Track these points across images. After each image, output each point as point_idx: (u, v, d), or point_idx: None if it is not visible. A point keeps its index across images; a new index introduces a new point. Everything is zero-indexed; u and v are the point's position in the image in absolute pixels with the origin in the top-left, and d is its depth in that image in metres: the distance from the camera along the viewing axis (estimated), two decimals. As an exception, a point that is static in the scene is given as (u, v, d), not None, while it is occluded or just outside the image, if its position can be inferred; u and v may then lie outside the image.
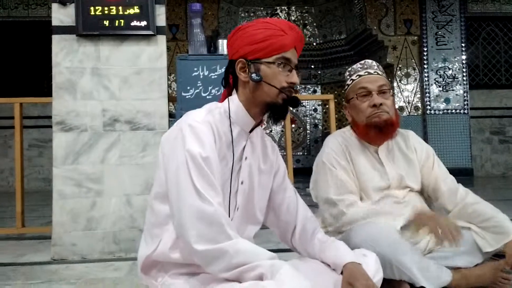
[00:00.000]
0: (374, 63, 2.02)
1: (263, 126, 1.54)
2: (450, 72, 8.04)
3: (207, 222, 1.21)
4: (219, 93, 3.26)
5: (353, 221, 1.81)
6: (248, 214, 1.45)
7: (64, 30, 2.75)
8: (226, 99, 1.43)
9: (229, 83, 1.45)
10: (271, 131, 9.84)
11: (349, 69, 2.05)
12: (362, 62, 2.02)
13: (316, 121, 10.09)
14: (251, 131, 1.44)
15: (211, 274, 1.26)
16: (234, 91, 1.44)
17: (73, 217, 2.71)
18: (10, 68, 8.20)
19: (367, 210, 1.83)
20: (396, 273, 1.65)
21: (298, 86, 10.06)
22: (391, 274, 1.64)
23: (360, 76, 1.97)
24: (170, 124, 2.95)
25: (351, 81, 2.00)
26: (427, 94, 8.00)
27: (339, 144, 1.98)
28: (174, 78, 7.04)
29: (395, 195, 1.93)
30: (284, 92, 1.37)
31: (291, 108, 1.45)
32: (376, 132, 1.91)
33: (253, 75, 1.36)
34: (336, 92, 9.62)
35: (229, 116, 1.39)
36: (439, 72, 8.03)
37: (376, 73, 1.97)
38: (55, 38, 2.76)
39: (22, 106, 3.34)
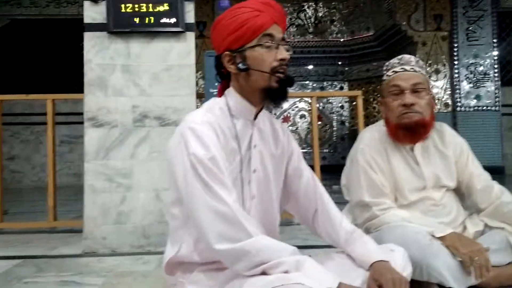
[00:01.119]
0: (412, 58, 1.93)
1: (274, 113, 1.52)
2: (481, 68, 7.87)
3: (224, 221, 1.21)
4: (247, 89, 3.27)
5: (384, 224, 1.78)
6: (266, 202, 1.44)
7: (95, 27, 2.80)
8: (224, 94, 1.42)
9: (224, 78, 1.43)
10: (297, 128, 9.82)
11: (387, 63, 1.98)
12: (400, 57, 1.94)
13: (343, 118, 10.01)
14: (255, 118, 1.42)
15: None
16: (231, 83, 1.42)
17: (104, 211, 2.76)
18: (42, 66, 8.39)
19: (401, 218, 1.78)
20: (425, 275, 1.62)
21: (325, 83, 10.01)
22: (419, 276, 1.61)
23: (395, 72, 1.89)
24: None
25: (386, 77, 1.93)
26: (458, 91, 7.85)
27: (375, 141, 1.91)
28: (201, 75, 7.08)
29: (432, 196, 1.88)
30: (276, 73, 1.33)
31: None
32: (405, 133, 1.84)
33: (240, 65, 1.34)
34: (363, 88, 9.52)
35: (229, 109, 1.37)
36: (470, 68, 7.87)
37: (412, 70, 1.88)
38: (87, 35, 2.81)
39: (54, 103, 3.41)
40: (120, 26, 2.78)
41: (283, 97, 1.36)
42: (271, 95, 1.35)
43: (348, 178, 1.96)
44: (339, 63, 10.04)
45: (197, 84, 3.43)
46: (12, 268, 2.40)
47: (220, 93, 1.44)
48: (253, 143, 1.39)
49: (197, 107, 3.01)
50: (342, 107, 10.03)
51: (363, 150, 1.90)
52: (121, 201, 2.77)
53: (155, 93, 2.83)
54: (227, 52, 1.36)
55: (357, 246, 1.44)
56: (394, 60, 1.94)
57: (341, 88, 10.04)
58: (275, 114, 9.15)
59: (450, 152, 1.95)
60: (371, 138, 1.93)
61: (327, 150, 10.02)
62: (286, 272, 1.17)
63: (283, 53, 1.34)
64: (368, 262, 1.39)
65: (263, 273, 1.20)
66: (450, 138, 1.98)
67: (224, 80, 1.43)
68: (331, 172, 8.92)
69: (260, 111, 1.42)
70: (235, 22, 1.33)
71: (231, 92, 1.40)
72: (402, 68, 1.89)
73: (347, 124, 10.00)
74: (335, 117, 10.00)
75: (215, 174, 1.25)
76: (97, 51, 2.80)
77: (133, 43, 2.83)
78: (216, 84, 1.50)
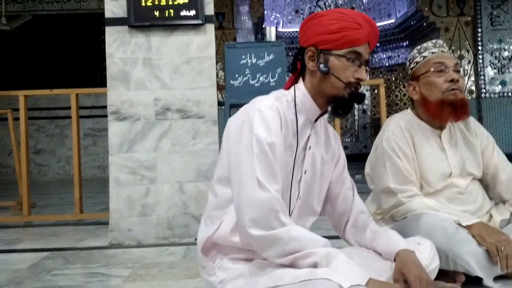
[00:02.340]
0: (445, 44, 1.95)
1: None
2: (506, 53, 7.71)
3: (262, 208, 1.23)
4: (267, 80, 3.27)
5: (410, 212, 1.78)
6: (307, 204, 1.46)
7: (116, 21, 2.82)
8: (293, 87, 1.42)
9: (297, 69, 1.43)
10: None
11: (418, 47, 1.96)
12: (434, 41, 1.94)
13: (365, 106, 9.93)
14: (316, 120, 1.43)
15: (266, 260, 1.27)
16: (301, 78, 1.42)
17: (129, 203, 2.80)
18: (64, 60, 8.51)
19: (427, 206, 1.77)
20: (452, 264, 1.61)
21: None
22: (445, 265, 1.60)
23: (434, 53, 1.88)
24: (219, 112, 3.00)
25: (422, 58, 1.90)
26: (482, 77, 7.70)
27: (401, 129, 1.90)
28: (221, 66, 7.10)
29: (458, 184, 1.86)
30: (350, 87, 1.35)
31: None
32: (451, 110, 1.82)
33: (321, 65, 1.34)
34: (385, 76, 9.42)
35: (295, 105, 1.38)
36: (495, 54, 7.71)
37: (448, 53, 1.90)
38: (108, 30, 2.83)
39: (78, 97, 3.46)
40: (140, 20, 2.80)
41: (348, 110, 1.38)
42: (338, 104, 1.37)
43: (373, 167, 1.95)
44: (360, 51, 9.94)
45: (217, 75, 3.44)
46: (41, 260, 2.46)
47: (288, 86, 1.44)
48: (308, 145, 1.41)
49: (218, 99, 3.02)
50: (363, 95, 9.96)
51: (388, 138, 1.89)
52: (145, 193, 2.81)
53: (176, 86, 2.85)
54: (311, 48, 1.36)
55: (382, 239, 1.45)
56: (428, 44, 1.93)
57: (362, 76, 9.95)
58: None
59: (476, 142, 1.94)
60: (397, 127, 1.91)
61: (349, 140, 9.96)
62: (315, 263, 1.18)
63: (363, 74, 1.35)
64: (393, 252, 1.39)
65: (293, 263, 1.21)
66: (475, 129, 1.97)
67: (294, 74, 1.44)
68: (353, 161, 8.87)
69: (322, 114, 1.43)
70: (335, 25, 1.33)
71: (300, 87, 1.40)
72: (439, 50, 1.89)
73: (368, 112, 9.91)
74: (356, 106, 9.92)
75: (268, 160, 1.26)
76: (119, 45, 2.83)
77: (154, 37, 2.85)
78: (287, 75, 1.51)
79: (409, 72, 1.97)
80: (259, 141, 1.26)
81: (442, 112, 1.84)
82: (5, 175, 8.74)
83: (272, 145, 1.27)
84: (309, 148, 1.42)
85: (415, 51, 1.96)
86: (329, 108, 1.42)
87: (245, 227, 1.24)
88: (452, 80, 1.81)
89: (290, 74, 1.47)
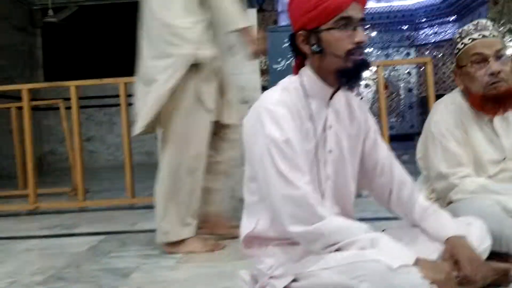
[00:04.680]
0: (489, 23, 1.82)
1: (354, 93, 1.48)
2: (561, 24, 7.32)
3: (296, 205, 1.24)
4: (310, 63, 3.26)
5: (462, 194, 1.75)
6: (341, 183, 1.43)
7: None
8: (299, 73, 1.39)
9: (300, 54, 1.39)
10: (361, 98, 9.62)
11: (460, 30, 1.87)
12: (475, 22, 1.83)
13: (410, 85, 9.71)
14: (331, 98, 1.39)
15: None
16: (306, 62, 1.38)
17: (178, 188, 2.87)
18: (110, 49, 8.72)
19: (478, 185, 1.73)
20: (504, 246, 1.58)
21: (390, 50, 9.69)
22: (498, 247, 1.58)
23: (473, 40, 1.79)
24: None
25: (462, 44, 1.82)
26: (535, 50, 7.36)
27: (450, 113, 1.84)
28: (263, 49, 7.09)
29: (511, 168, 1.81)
30: (351, 56, 1.29)
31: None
32: (494, 104, 1.75)
33: (314, 47, 1.30)
34: (432, 53, 9.15)
35: (304, 90, 1.35)
36: (548, 26, 7.34)
37: (492, 35, 1.78)
38: (153, 19, 2.88)
39: (126, 85, 3.57)
40: (184, 8, 2.83)
41: (356, 80, 1.32)
42: (344, 77, 1.31)
43: (424, 152, 1.93)
44: (404, 27, 9.68)
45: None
46: (98, 243, 2.59)
47: (296, 71, 1.41)
48: (328, 124, 1.38)
49: (263, 84, 3.04)
50: (409, 73, 9.73)
51: (437, 122, 1.85)
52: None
53: (220, 72, 2.88)
54: (301, 32, 1.33)
55: (431, 221, 1.42)
56: (469, 27, 1.83)
57: (408, 54, 9.72)
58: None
59: None
60: (446, 110, 1.86)
61: (394, 120, 9.79)
62: (361, 249, 1.19)
63: (360, 36, 1.28)
64: (443, 236, 1.37)
65: (338, 250, 1.22)
66: None
67: (299, 58, 1.40)
68: (399, 141, 8.74)
69: (336, 91, 1.38)
70: (312, 1, 1.28)
71: (306, 71, 1.37)
72: (480, 35, 1.78)
73: (415, 91, 9.69)
74: (402, 85, 9.72)
75: (289, 157, 1.26)
76: (164, 34, 2.87)
77: (197, 24, 2.87)
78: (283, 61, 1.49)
79: (454, 58, 1.91)
80: (273, 141, 1.26)
81: (485, 106, 1.78)
82: (58, 163, 9.13)
83: (287, 141, 1.26)
84: (330, 127, 1.38)
85: (457, 34, 1.87)
86: (340, 84, 1.36)
87: (284, 226, 1.26)
88: (492, 74, 1.73)
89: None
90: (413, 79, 9.63)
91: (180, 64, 2.14)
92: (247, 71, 2.88)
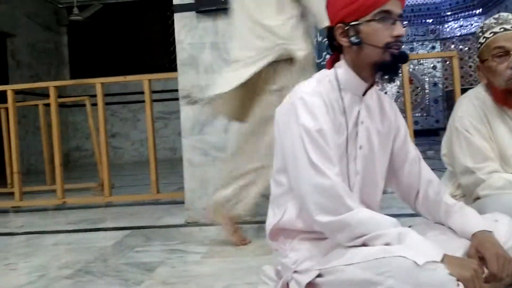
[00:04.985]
0: (510, 16, 1.79)
1: (379, 88, 1.48)
2: None
3: (325, 195, 1.24)
4: (333, 58, 3.24)
5: (490, 189, 1.72)
6: (369, 179, 1.43)
7: (184, 8, 2.90)
8: (334, 66, 1.39)
9: (336, 49, 1.40)
10: (385, 93, 9.53)
11: (481, 24, 1.85)
12: (496, 16, 1.81)
13: (436, 79, 9.56)
14: (364, 93, 1.39)
15: None
16: (342, 56, 1.39)
17: (202, 183, 2.90)
18: (133, 47, 8.82)
19: (506, 181, 1.70)
20: None
21: (415, 44, 9.56)
22: None
23: (495, 33, 1.77)
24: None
25: (484, 39, 1.81)
26: None
27: (474, 107, 1.82)
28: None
29: None
30: (390, 48, 1.29)
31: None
32: None
33: (352, 38, 1.31)
34: (457, 47, 8.99)
35: (338, 84, 1.36)
36: None
37: (511, 32, 1.75)
38: (177, 16, 2.92)
39: (150, 82, 3.61)
40: (207, 4, 2.85)
41: (395, 73, 1.32)
42: (382, 70, 1.31)
43: (449, 148, 1.90)
44: (429, 20, 9.53)
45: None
46: (123, 238, 2.63)
47: (330, 65, 1.42)
48: (360, 119, 1.38)
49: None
50: (434, 67, 9.58)
51: (461, 117, 1.82)
52: (218, 173, 2.90)
53: (244, 67, 2.89)
54: (340, 25, 1.33)
55: (457, 217, 1.41)
56: (491, 20, 1.81)
57: (433, 47, 9.56)
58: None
59: None
60: (470, 105, 1.84)
61: (419, 114, 9.66)
62: (387, 244, 1.18)
63: (399, 30, 1.29)
64: (469, 232, 1.35)
65: (364, 244, 1.22)
66: None
67: (335, 53, 1.41)
68: (424, 136, 8.62)
69: (370, 87, 1.39)
70: None
71: (341, 65, 1.38)
72: (502, 28, 1.76)
73: (440, 85, 9.54)
74: (427, 79, 9.57)
75: (321, 147, 1.26)
76: (187, 31, 2.90)
77: (220, 20, 2.89)
78: (326, 55, 1.49)
79: (477, 53, 1.89)
80: (307, 130, 1.26)
81: (508, 100, 1.76)
82: (83, 158, 9.29)
83: (320, 132, 1.27)
84: (362, 122, 1.38)
85: (478, 29, 1.86)
86: (377, 78, 1.36)
87: (311, 215, 1.25)
88: None
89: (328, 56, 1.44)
90: (438, 73, 9.47)
91: (269, 54, 2.19)
92: (270, 66, 2.88)
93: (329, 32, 1.39)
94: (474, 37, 1.95)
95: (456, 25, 9.18)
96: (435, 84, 9.55)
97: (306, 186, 1.26)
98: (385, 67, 1.31)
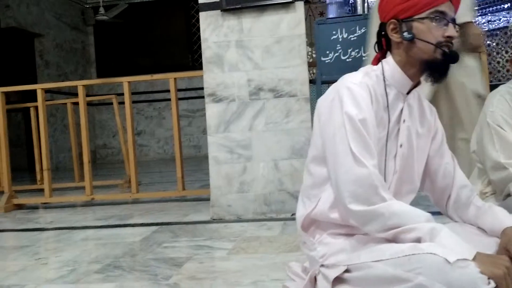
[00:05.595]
0: None
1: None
2: None
3: (360, 184, 1.23)
4: (359, 55, 3.23)
5: None
6: (406, 179, 1.42)
7: (209, 6, 2.93)
8: (381, 62, 1.40)
9: (383, 47, 1.41)
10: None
11: None
12: None
13: (462, 75, 9.39)
14: (408, 92, 1.39)
15: (367, 235, 1.29)
16: (389, 53, 1.39)
17: (227, 180, 2.94)
18: (158, 45, 8.91)
19: None
20: None
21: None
22: None
23: None
24: (311, 89, 3.02)
25: None
26: None
27: (505, 103, 1.81)
28: (308, 42, 7.05)
29: None
30: (441, 47, 1.29)
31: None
32: None
33: (405, 33, 1.31)
34: (485, 42, 8.82)
35: (384, 79, 1.37)
36: None
37: None
38: (202, 15, 2.95)
39: (176, 81, 3.65)
40: (231, 3, 2.88)
41: (444, 72, 1.32)
42: (433, 68, 1.31)
43: (480, 144, 1.88)
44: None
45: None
46: (151, 234, 2.67)
47: (376, 62, 1.42)
48: (402, 118, 1.38)
49: (310, 76, 3.04)
50: (460, 64, 9.42)
51: (493, 113, 1.80)
52: (243, 171, 2.92)
53: (268, 65, 2.91)
54: (393, 20, 1.34)
55: (486, 216, 1.39)
56: None
57: (459, 43, 9.39)
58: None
59: None
60: (502, 100, 1.81)
61: (445, 111, 9.50)
62: (419, 238, 1.17)
63: (452, 31, 1.29)
64: (499, 229, 1.34)
65: (394, 238, 1.21)
66: None
67: (382, 50, 1.42)
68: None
69: (415, 86, 1.39)
70: None
71: (389, 61, 1.38)
72: None
73: (466, 82, 9.36)
74: (453, 75, 9.41)
75: (362, 136, 1.26)
76: (212, 29, 2.93)
77: (245, 19, 2.91)
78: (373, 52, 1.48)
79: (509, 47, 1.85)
80: (350, 118, 1.27)
81: None
82: (110, 156, 9.44)
83: (363, 121, 1.27)
84: (403, 121, 1.38)
85: (510, 24, 1.83)
86: (423, 77, 1.36)
87: (345, 203, 1.25)
88: None
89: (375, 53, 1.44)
90: (465, 69, 9.32)
91: None
92: (295, 64, 2.89)
93: (380, 28, 1.40)
94: (503, 32, 1.91)
95: (483, 20, 8.98)
96: (461, 81, 9.39)
97: (342, 174, 1.26)
98: (435, 65, 1.31)
